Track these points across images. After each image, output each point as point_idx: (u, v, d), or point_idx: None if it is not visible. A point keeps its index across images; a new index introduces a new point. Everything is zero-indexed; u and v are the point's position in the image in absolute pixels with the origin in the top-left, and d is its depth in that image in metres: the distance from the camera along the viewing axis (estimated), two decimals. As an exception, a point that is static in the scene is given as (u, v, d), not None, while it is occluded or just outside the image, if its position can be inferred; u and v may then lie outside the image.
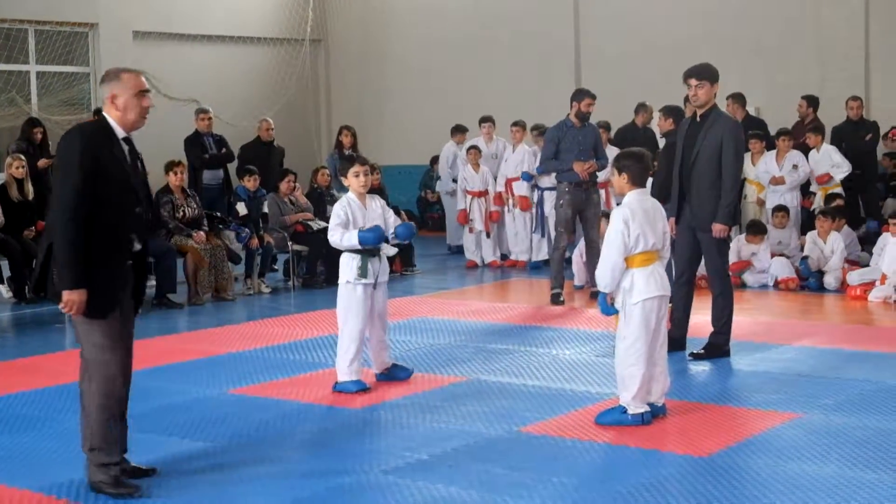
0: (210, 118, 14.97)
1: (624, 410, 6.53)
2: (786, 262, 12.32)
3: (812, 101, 15.10)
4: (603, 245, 6.61)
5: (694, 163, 8.38)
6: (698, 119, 8.47)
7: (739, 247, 12.25)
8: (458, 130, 16.69)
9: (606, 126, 14.58)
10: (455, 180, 16.26)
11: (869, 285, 11.41)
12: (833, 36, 16.55)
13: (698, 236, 8.39)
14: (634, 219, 6.50)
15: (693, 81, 8.34)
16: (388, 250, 7.95)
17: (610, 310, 6.56)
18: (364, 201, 7.71)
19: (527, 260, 14.67)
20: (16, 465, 6.05)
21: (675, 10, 17.91)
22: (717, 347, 8.49)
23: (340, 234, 7.54)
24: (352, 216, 7.59)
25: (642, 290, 6.48)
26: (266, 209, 13.33)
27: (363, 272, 7.56)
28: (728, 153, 8.29)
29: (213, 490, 5.55)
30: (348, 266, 7.62)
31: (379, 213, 7.72)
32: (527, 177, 14.40)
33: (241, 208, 12.95)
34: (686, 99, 13.75)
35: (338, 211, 7.62)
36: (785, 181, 13.63)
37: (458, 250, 16.19)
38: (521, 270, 14.47)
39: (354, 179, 7.67)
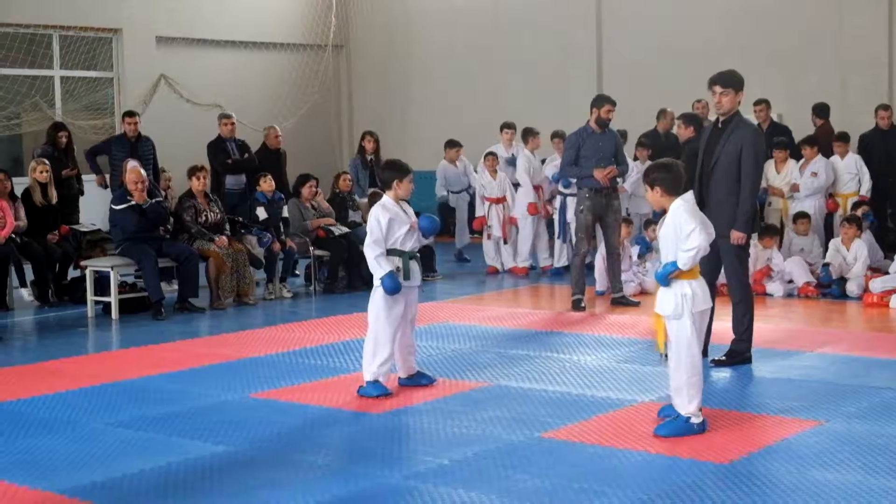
0: (233, 123, 15.03)
1: (687, 420, 6.49)
2: (800, 262, 12.25)
3: (817, 110, 15.01)
4: (692, 232, 6.42)
5: (713, 169, 8.33)
6: (720, 125, 8.42)
7: (756, 253, 12.14)
8: (452, 146, 16.38)
9: (623, 134, 14.53)
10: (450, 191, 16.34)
11: (890, 292, 11.35)
12: (855, 41, 16.49)
13: (718, 242, 8.28)
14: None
15: (718, 88, 8.29)
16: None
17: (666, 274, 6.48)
18: (401, 206, 7.76)
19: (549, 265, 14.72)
20: (38, 467, 6.08)
21: (697, 16, 17.89)
22: (739, 354, 8.47)
23: (381, 251, 7.55)
24: (392, 220, 7.61)
25: (701, 300, 6.50)
26: (286, 214, 13.37)
27: (406, 274, 7.59)
28: (748, 160, 8.23)
29: (235, 494, 5.56)
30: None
31: (414, 220, 7.79)
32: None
33: (262, 213, 12.99)
34: (693, 105, 13.78)
35: (377, 217, 7.60)
36: (799, 188, 13.60)
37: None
38: (542, 276, 14.47)
39: (408, 185, 7.73)
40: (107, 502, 5.45)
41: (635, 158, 14.69)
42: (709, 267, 8.19)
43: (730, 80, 8.30)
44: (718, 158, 8.30)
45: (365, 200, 14.39)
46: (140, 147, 14.36)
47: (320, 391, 7.85)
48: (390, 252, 7.62)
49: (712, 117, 11.14)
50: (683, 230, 6.44)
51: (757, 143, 8.36)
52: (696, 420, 6.47)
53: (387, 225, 7.60)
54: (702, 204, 8.13)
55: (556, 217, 14.43)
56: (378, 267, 7.55)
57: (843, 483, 5.52)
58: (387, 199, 7.75)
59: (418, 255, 7.83)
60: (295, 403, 7.51)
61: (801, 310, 11.43)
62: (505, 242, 14.96)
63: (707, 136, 8.56)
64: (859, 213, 13.00)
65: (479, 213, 15.19)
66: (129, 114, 14.78)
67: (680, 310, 6.48)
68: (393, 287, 7.51)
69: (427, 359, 8.82)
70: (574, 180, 13.24)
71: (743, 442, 6.35)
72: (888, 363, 8.51)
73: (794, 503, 5.24)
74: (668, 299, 6.52)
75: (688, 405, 6.48)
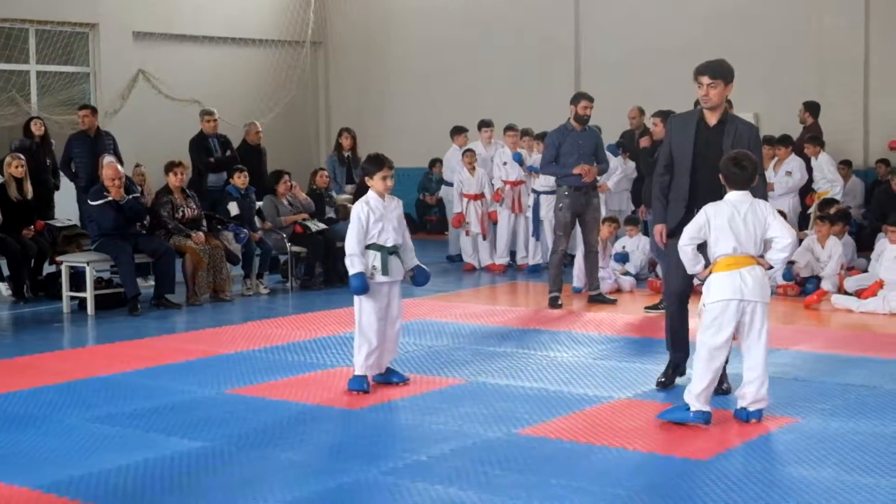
0: (215, 120, 14.93)
1: (688, 408, 6.55)
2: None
3: (810, 107, 15.13)
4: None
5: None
6: (710, 123, 7.36)
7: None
8: (458, 132, 16.43)
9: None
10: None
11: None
12: (833, 41, 16.59)
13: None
14: (716, 218, 6.56)
15: (705, 79, 7.23)
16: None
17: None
18: (385, 200, 7.73)
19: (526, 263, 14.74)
20: (15, 463, 6.06)
21: (676, 14, 17.96)
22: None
23: (357, 249, 7.56)
24: (372, 216, 7.60)
25: (713, 293, 6.58)
26: (260, 208, 13.34)
27: (384, 269, 7.58)
28: (760, 166, 7.24)
29: (212, 490, 5.56)
30: (367, 263, 7.61)
31: (397, 214, 7.75)
32: (518, 157, 14.45)
33: (234, 208, 12.96)
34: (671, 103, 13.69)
35: (358, 214, 7.64)
36: (773, 188, 13.69)
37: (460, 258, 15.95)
38: (519, 273, 14.50)
39: (381, 182, 7.68)
40: (83, 498, 5.43)
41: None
42: (685, 276, 7.41)
43: (719, 71, 7.27)
44: None
45: (343, 196, 14.39)
46: (100, 142, 14.23)
47: (297, 387, 7.85)
48: (370, 247, 7.61)
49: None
50: None
51: (760, 142, 7.73)
52: (693, 408, 6.52)
53: (366, 221, 7.60)
54: (690, 208, 7.34)
55: (529, 215, 14.46)
56: (350, 265, 7.59)
57: (818, 479, 5.56)
58: (370, 193, 7.75)
59: (398, 250, 7.78)
60: (272, 399, 7.50)
61: (776, 308, 11.45)
62: (483, 238, 14.98)
63: (693, 134, 7.38)
64: (832, 211, 13.06)
65: (456, 209, 15.19)
66: (84, 107, 14.63)
67: (701, 302, 6.67)
68: (357, 288, 7.53)
69: (404, 355, 8.82)
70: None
71: (720, 438, 6.38)
72: (862, 360, 8.57)
73: (770, 499, 5.27)
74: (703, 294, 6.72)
75: (691, 391, 6.56)
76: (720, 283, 6.58)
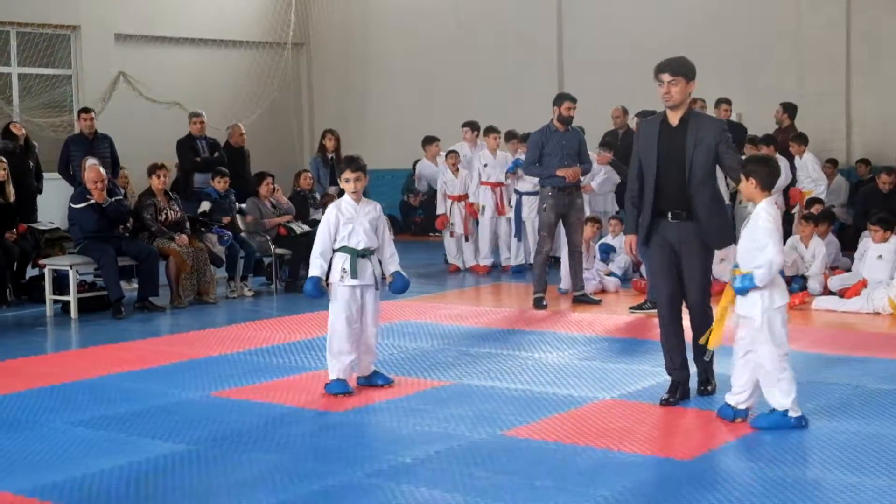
0: (203, 122, 14.99)
1: (786, 413, 6.51)
2: None
3: (788, 109, 15.18)
4: (765, 246, 6.46)
5: (690, 176, 7.08)
6: (673, 123, 7.17)
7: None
8: (429, 142, 16.37)
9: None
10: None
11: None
12: (814, 41, 16.65)
13: (702, 253, 7.25)
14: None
15: (666, 77, 7.05)
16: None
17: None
18: (359, 203, 7.69)
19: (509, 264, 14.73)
20: (-2, 467, 6.04)
21: (658, 14, 18.01)
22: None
23: (318, 251, 7.60)
24: (341, 218, 7.60)
25: (778, 298, 6.56)
26: (241, 209, 13.32)
27: (353, 272, 7.57)
28: (731, 156, 7.14)
29: (197, 493, 5.54)
30: (336, 266, 7.62)
31: (371, 218, 7.69)
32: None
33: (205, 205, 12.94)
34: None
35: (327, 217, 7.66)
36: None
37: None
38: (504, 274, 14.49)
39: (345, 185, 7.69)
40: (67, 502, 5.41)
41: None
42: (673, 287, 7.31)
43: (679, 68, 7.09)
44: (693, 163, 7.07)
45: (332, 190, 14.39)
46: (97, 145, 14.25)
47: (282, 390, 7.83)
48: (341, 250, 7.60)
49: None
50: (758, 241, 6.50)
51: (729, 138, 7.42)
52: (793, 413, 6.50)
53: (335, 224, 7.61)
54: (660, 213, 7.23)
55: (511, 216, 14.46)
56: (310, 268, 7.62)
57: (803, 479, 5.57)
58: (345, 195, 7.74)
59: (373, 255, 7.73)
60: (257, 402, 7.48)
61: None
62: (466, 240, 14.97)
63: (657, 135, 7.19)
64: (815, 210, 13.10)
65: (440, 210, 15.18)
66: (85, 110, 14.68)
67: (761, 310, 6.51)
68: (309, 292, 7.55)
69: (389, 357, 8.82)
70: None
71: (704, 438, 6.39)
72: (847, 360, 8.59)
73: (754, 499, 5.27)
74: (753, 301, 6.53)
75: (783, 399, 6.51)
76: (780, 289, 6.60)
